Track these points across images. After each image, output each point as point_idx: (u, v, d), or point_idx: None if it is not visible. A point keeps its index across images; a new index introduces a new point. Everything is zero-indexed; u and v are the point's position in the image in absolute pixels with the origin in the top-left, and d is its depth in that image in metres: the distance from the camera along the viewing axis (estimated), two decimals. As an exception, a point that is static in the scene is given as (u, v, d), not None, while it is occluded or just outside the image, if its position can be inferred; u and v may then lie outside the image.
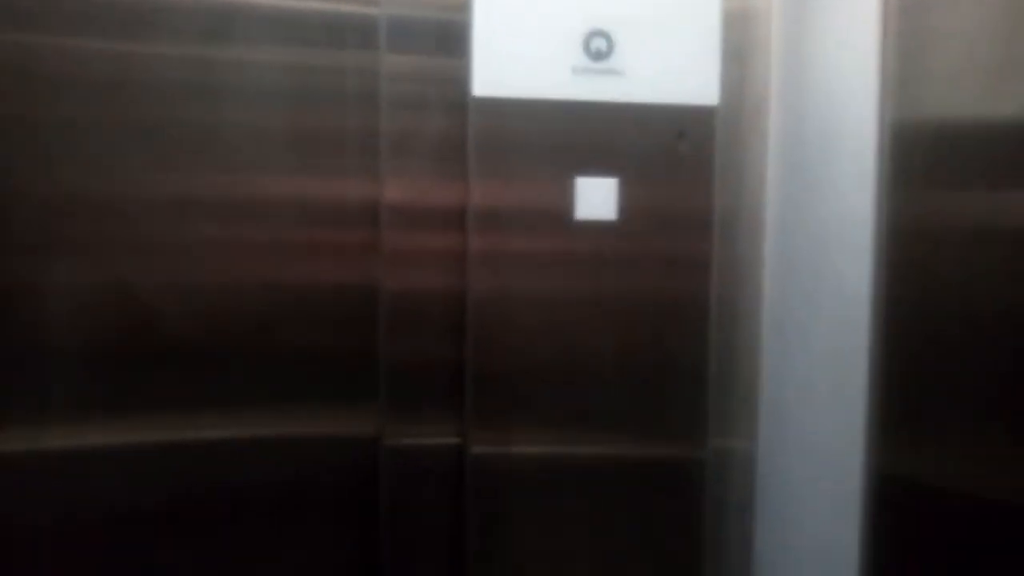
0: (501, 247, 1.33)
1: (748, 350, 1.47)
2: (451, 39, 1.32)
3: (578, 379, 1.38)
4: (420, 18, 1.32)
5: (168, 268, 1.29)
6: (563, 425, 1.39)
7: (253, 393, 1.34)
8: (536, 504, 1.39)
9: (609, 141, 1.32)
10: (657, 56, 1.31)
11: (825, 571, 1.33)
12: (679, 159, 1.34)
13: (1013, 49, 1.03)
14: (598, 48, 1.29)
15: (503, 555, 1.38)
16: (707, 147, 1.35)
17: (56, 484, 1.28)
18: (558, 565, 1.40)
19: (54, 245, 1.26)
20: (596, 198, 1.32)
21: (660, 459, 1.41)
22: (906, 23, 1.17)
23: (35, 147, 1.24)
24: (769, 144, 1.44)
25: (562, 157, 1.32)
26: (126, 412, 1.30)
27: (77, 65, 1.24)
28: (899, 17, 1.18)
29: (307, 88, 1.31)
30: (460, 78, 1.31)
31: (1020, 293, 1.00)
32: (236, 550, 1.36)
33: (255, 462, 1.34)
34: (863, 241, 1.23)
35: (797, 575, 1.41)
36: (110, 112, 1.25)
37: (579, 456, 1.39)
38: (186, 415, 1.32)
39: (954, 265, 1.10)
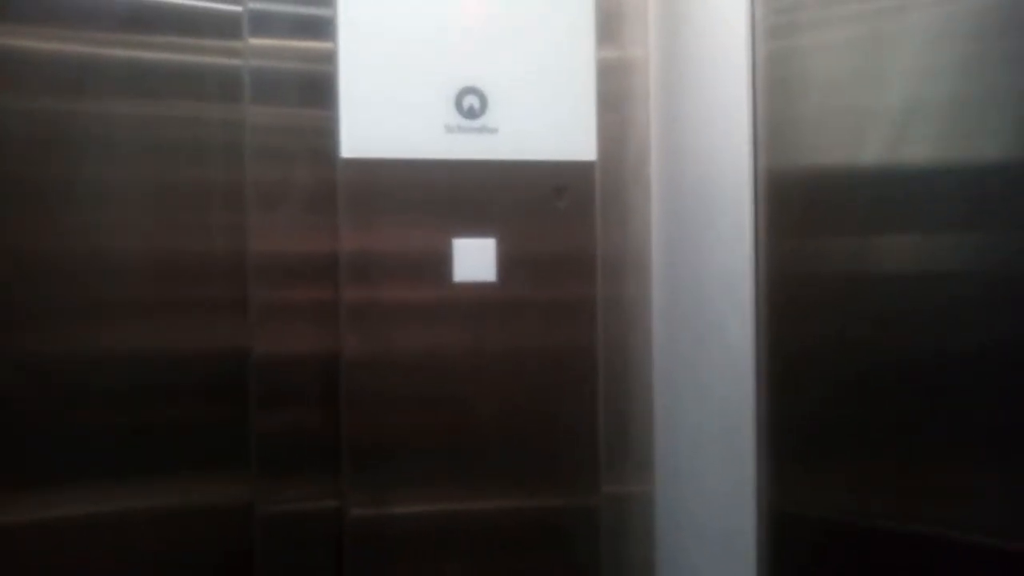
0: (376, 308, 1.29)
1: (640, 397, 1.47)
2: (317, 91, 1.27)
3: (461, 436, 1.35)
4: (285, 70, 1.26)
5: (23, 334, 1.22)
6: (447, 483, 1.36)
7: (120, 465, 1.27)
8: (420, 565, 1.36)
9: (486, 199, 1.29)
10: (532, 112, 1.28)
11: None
12: (559, 215, 1.32)
13: (877, 95, 1.05)
14: (471, 105, 1.26)
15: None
16: (587, 202, 1.33)
17: None
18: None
19: None
20: (474, 259, 1.28)
21: (549, 510, 1.39)
22: (774, 71, 1.18)
23: None
24: (652, 194, 1.42)
25: (437, 217, 1.28)
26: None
27: None
28: (767, 66, 1.18)
29: (169, 141, 1.25)
30: (328, 129, 1.26)
31: (891, 332, 1.03)
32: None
33: (125, 537, 1.28)
34: (743, 289, 1.23)
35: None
36: None
37: (465, 513, 1.37)
38: (51, 491, 1.25)
39: (831, 308, 1.12)
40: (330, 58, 1.24)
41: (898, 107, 1.03)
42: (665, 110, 1.38)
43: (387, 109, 1.24)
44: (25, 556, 1.24)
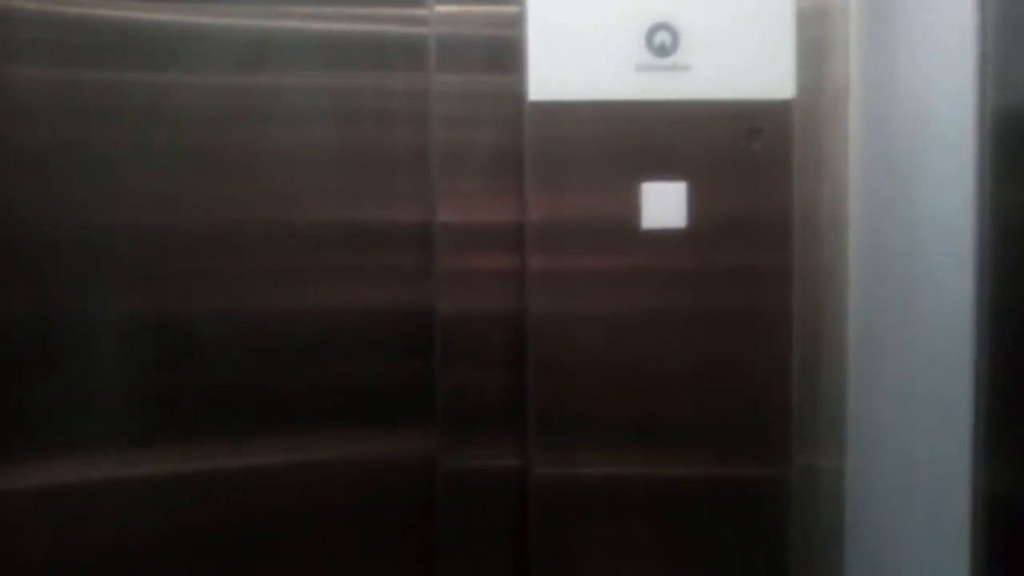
0: (561, 261, 1.25)
1: (833, 361, 1.36)
2: (502, 55, 1.25)
3: (648, 396, 1.29)
4: (470, 36, 1.25)
5: (225, 297, 1.27)
6: (633, 445, 1.30)
7: (312, 418, 1.30)
8: (603, 528, 1.31)
9: (676, 141, 1.23)
10: (726, 48, 1.21)
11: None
12: (753, 157, 1.24)
13: None
14: (662, 43, 1.20)
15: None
16: (784, 145, 1.25)
17: (109, 513, 1.26)
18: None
19: (104, 275, 1.24)
20: (663, 205, 1.23)
21: (739, 480, 1.31)
22: (1006, 4, 1.05)
23: (78, 178, 1.22)
24: (850, 140, 1.32)
25: (625, 162, 1.23)
26: (189, 440, 1.28)
27: (121, 97, 1.22)
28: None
29: (357, 112, 1.27)
30: (513, 94, 1.24)
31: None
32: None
33: (314, 487, 1.31)
34: (963, 238, 1.11)
35: (890, 606, 1.31)
36: (158, 143, 1.23)
37: (652, 478, 1.31)
38: (247, 441, 1.29)
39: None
40: (516, 22, 1.22)
41: None
42: (868, 38, 1.28)
43: (575, 48, 1.20)
44: (224, 501, 1.29)
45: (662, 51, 1.20)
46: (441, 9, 1.25)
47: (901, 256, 1.26)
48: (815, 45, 1.27)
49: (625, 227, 1.24)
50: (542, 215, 1.24)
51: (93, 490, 1.26)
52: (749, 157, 1.24)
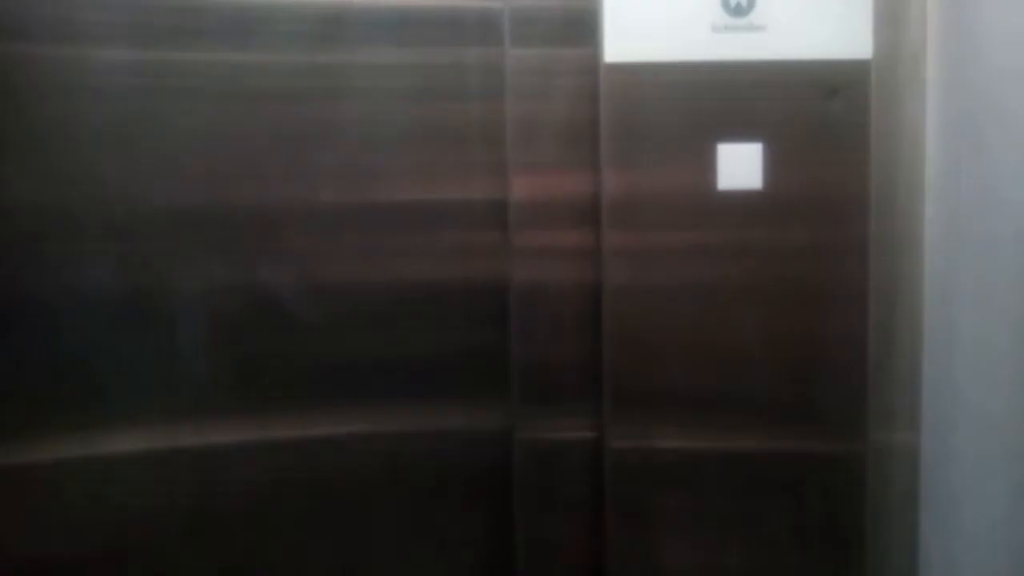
0: (637, 229, 1.24)
1: (908, 330, 1.33)
2: (577, 26, 1.24)
3: (723, 369, 1.27)
4: (544, 7, 1.24)
5: (303, 271, 1.29)
6: (707, 418, 1.28)
7: (388, 390, 1.31)
8: (677, 501, 1.29)
9: (752, 102, 1.21)
10: (802, 8, 1.20)
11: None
12: (830, 120, 1.22)
13: None
14: (738, 3, 1.19)
15: (643, 552, 1.30)
16: (862, 106, 1.23)
17: (192, 479, 1.29)
18: (700, 565, 1.30)
19: (192, 250, 1.27)
20: (739, 166, 1.21)
21: (814, 454, 1.29)
22: None
23: (167, 158, 1.25)
24: (928, 103, 1.29)
25: (701, 124, 1.22)
26: (267, 409, 1.30)
27: (200, 77, 1.24)
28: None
29: (430, 87, 1.27)
30: (588, 66, 1.24)
31: None
32: (368, 545, 1.34)
33: (388, 457, 1.32)
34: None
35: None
36: (231, 122, 1.25)
37: (725, 450, 1.29)
38: (323, 412, 1.31)
39: None
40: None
41: None
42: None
43: (651, 11, 1.19)
44: (297, 471, 1.31)
45: (738, 11, 1.19)
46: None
47: (979, 222, 1.23)
48: (892, 3, 1.25)
49: (701, 191, 1.22)
50: (617, 183, 1.23)
51: (184, 456, 1.28)
52: (826, 118, 1.22)
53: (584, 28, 1.24)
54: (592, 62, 1.23)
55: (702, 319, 1.26)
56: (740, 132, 1.21)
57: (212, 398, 1.29)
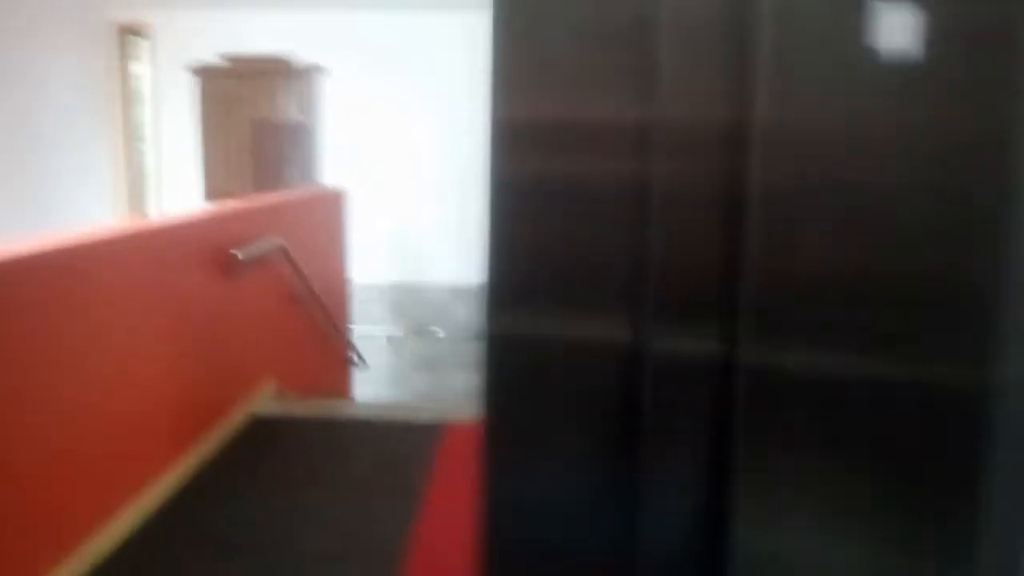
0: (791, 124, 1.16)
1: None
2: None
3: (862, 293, 1.21)
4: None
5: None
6: (845, 341, 1.23)
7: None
8: (807, 423, 1.25)
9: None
10: None
11: None
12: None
13: None
14: None
15: (770, 472, 1.26)
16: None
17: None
18: (826, 489, 1.26)
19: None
20: (895, 29, 1.13)
21: (947, 384, 1.22)
22: None
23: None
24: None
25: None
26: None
27: None
28: None
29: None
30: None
31: None
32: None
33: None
34: None
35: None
36: None
37: (858, 375, 1.23)
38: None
39: None
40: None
41: None
42: None
43: None
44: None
45: None
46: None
47: None
48: None
49: (853, 52, 1.14)
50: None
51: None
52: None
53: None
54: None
55: (847, 233, 1.20)
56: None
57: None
